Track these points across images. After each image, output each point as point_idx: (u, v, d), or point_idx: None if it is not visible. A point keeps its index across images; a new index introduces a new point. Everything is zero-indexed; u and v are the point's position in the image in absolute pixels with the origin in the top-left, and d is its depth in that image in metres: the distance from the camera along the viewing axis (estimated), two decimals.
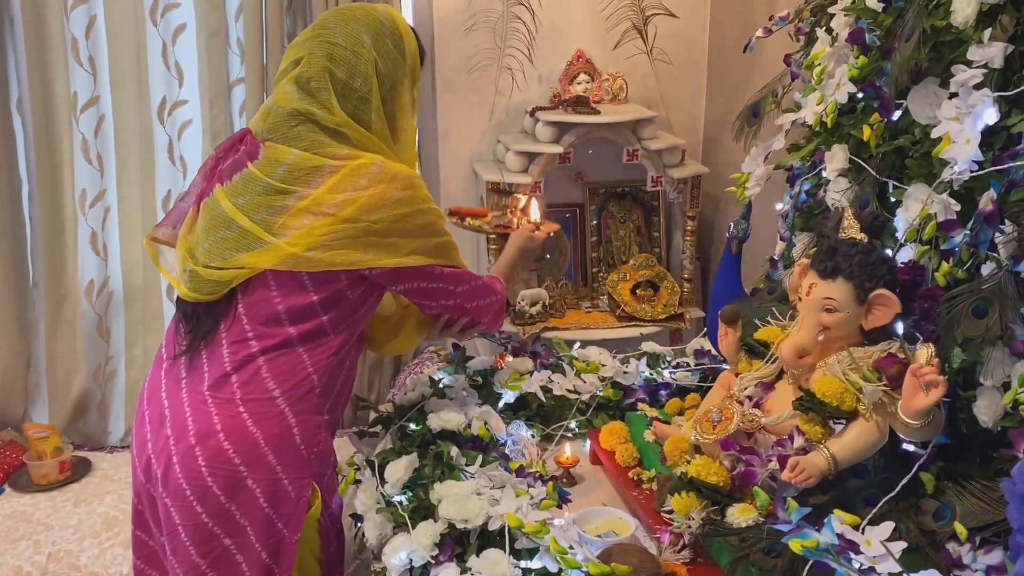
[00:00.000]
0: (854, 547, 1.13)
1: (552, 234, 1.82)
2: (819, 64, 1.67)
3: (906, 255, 1.41)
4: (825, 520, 1.16)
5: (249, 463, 1.32)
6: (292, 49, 1.41)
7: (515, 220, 1.85)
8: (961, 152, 1.29)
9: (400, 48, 1.42)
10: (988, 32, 1.29)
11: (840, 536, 1.13)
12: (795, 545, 1.12)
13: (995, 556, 1.17)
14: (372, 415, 1.76)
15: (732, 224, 1.73)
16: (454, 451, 1.55)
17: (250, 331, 1.35)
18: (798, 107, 1.77)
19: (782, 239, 1.86)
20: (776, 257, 1.89)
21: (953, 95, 1.34)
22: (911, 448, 1.32)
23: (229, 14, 2.71)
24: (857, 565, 1.10)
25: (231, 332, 1.36)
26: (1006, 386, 1.25)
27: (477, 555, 1.30)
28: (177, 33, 2.73)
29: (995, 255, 1.26)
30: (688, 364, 1.95)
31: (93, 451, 2.81)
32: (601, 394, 1.86)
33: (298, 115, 1.35)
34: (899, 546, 1.15)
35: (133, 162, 2.77)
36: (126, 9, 2.65)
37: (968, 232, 1.28)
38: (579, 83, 2.86)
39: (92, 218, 2.79)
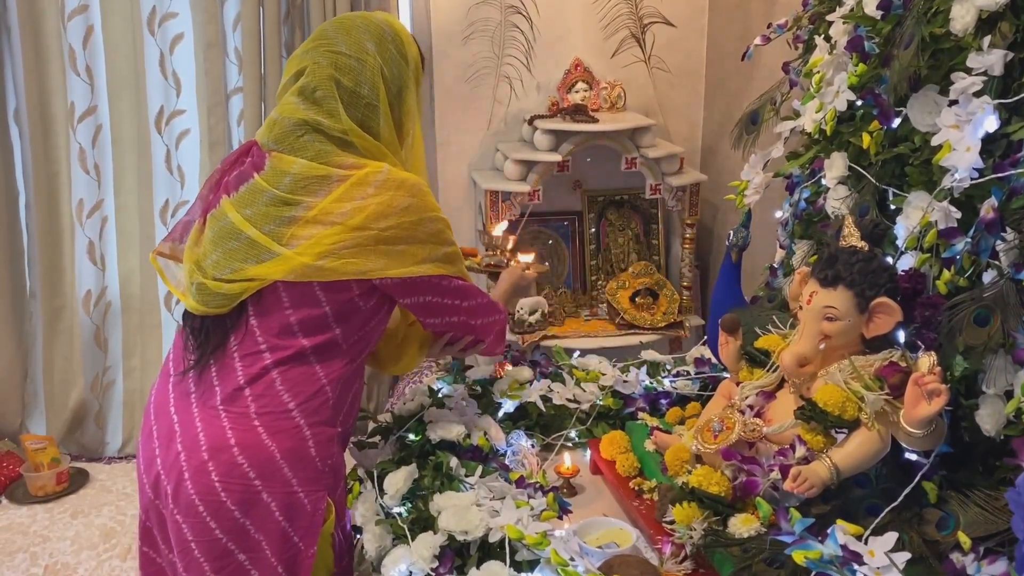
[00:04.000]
0: (857, 558, 1.12)
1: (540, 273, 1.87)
2: (818, 72, 1.67)
3: (907, 263, 1.40)
4: (829, 531, 1.15)
5: (264, 477, 1.31)
6: (293, 61, 1.40)
7: (504, 259, 1.85)
8: (961, 159, 1.29)
9: (403, 53, 1.41)
10: (987, 39, 1.29)
11: (843, 547, 1.12)
12: (799, 556, 1.11)
13: (999, 566, 1.16)
14: (371, 425, 1.75)
15: (732, 232, 1.73)
16: (453, 462, 1.54)
17: (263, 343, 1.34)
18: (797, 115, 1.77)
19: (781, 247, 1.86)
20: (776, 265, 1.89)
21: (953, 102, 1.33)
22: (913, 457, 1.31)
23: (227, 24, 2.71)
24: None
25: (243, 345, 1.34)
26: (1008, 394, 1.24)
27: (477, 567, 1.29)
28: (175, 43, 2.73)
29: (996, 263, 1.25)
30: (688, 373, 1.94)
31: (91, 462, 2.80)
32: (601, 403, 1.85)
33: (304, 125, 1.35)
34: (902, 557, 1.14)
35: (131, 172, 2.76)
36: (124, 19, 2.65)
37: (969, 240, 1.28)
38: (577, 91, 2.86)
39: (89, 228, 2.79)
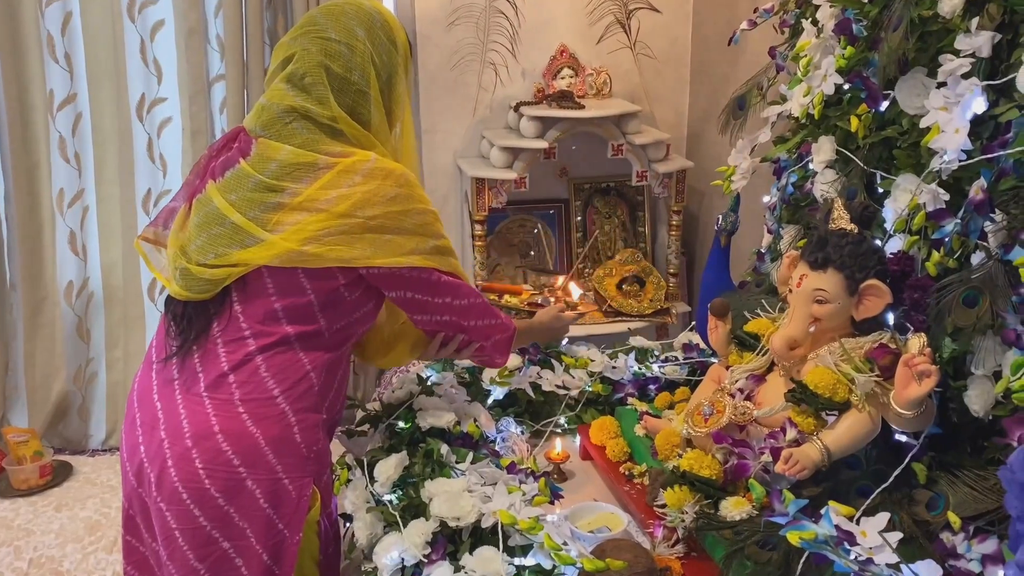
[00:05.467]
0: (851, 538, 1.12)
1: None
2: (805, 55, 1.67)
3: (895, 245, 1.41)
4: (823, 512, 1.15)
5: (249, 464, 1.30)
6: (280, 48, 1.39)
7: (551, 300, 1.83)
8: (950, 141, 1.29)
9: (392, 39, 1.40)
10: (975, 21, 1.29)
11: (837, 527, 1.13)
12: (793, 537, 1.11)
13: (989, 545, 1.17)
14: (359, 414, 1.75)
15: (721, 217, 1.73)
16: (444, 449, 1.54)
17: (247, 330, 1.32)
18: (784, 99, 1.76)
19: (769, 232, 1.86)
20: (763, 250, 1.89)
21: (941, 84, 1.34)
22: (903, 439, 1.32)
23: (208, 10, 2.67)
24: (854, 556, 1.10)
25: (227, 331, 1.33)
26: (997, 375, 1.25)
27: (470, 553, 1.29)
28: (155, 30, 2.69)
29: (985, 244, 1.25)
30: (676, 358, 1.94)
31: (74, 455, 2.77)
32: (590, 389, 1.85)
33: (293, 112, 1.33)
34: (894, 537, 1.14)
35: (112, 161, 2.72)
36: (102, 5, 2.61)
37: (958, 221, 1.28)
38: (563, 78, 2.85)
39: (70, 218, 2.75)
